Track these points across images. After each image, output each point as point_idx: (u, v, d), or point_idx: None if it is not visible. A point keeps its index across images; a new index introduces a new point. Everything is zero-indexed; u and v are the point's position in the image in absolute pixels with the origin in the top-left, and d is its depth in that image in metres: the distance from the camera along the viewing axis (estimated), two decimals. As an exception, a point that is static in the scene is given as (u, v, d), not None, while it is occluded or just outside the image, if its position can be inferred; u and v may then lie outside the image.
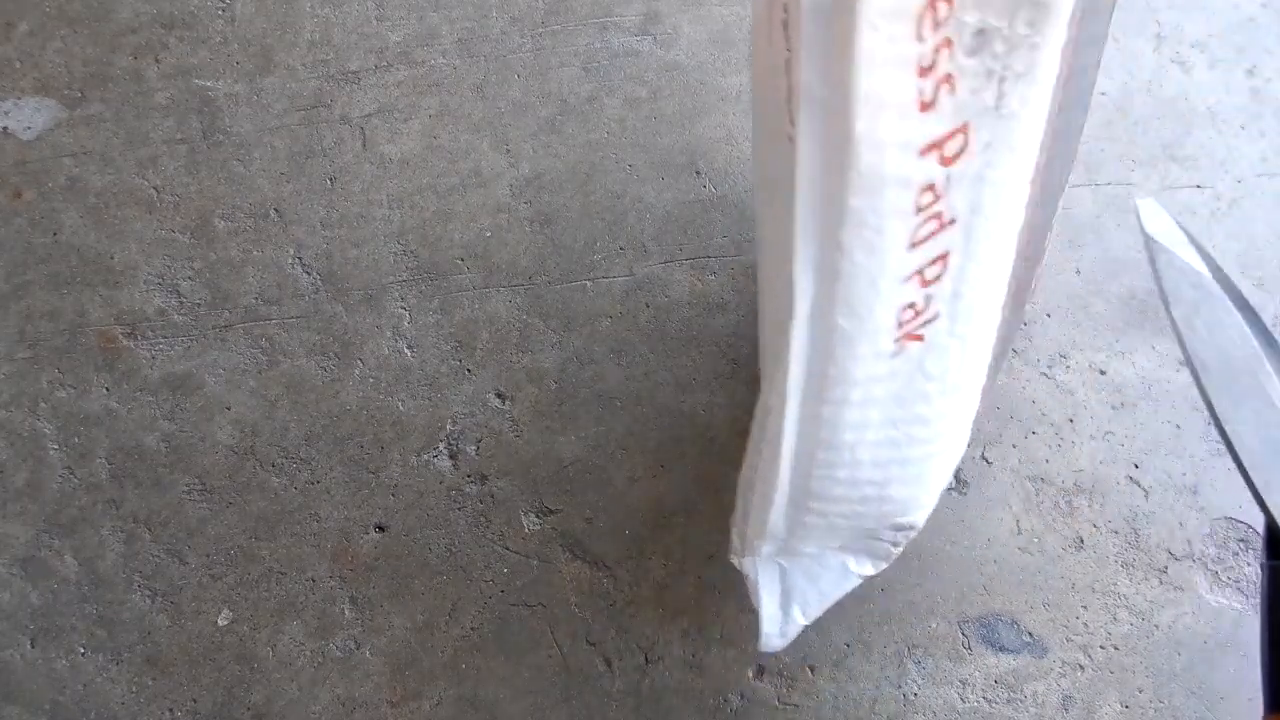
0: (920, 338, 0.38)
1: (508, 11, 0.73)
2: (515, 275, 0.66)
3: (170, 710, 0.56)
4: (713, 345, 0.64)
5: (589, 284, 0.65)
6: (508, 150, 0.69)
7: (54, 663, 0.57)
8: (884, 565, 0.52)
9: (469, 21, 0.73)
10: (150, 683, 0.57)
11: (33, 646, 0.58)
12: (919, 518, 0.48)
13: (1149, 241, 0.21)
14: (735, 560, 0.52)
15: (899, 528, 0.49)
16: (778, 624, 0.52)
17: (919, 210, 0.34)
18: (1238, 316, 0.21)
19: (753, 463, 0.47)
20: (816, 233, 0.34)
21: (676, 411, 0.62)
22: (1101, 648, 0.56)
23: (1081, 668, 0.56)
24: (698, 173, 0.68)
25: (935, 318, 0.38)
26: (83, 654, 0.57)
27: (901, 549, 0.51)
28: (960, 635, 0.57)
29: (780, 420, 0.40)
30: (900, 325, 0.38)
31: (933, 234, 0.35)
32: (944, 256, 0.35)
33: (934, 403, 0.42)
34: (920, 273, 0.36)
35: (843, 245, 0.34)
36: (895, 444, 0.43)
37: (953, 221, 0.34)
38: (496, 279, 0.66)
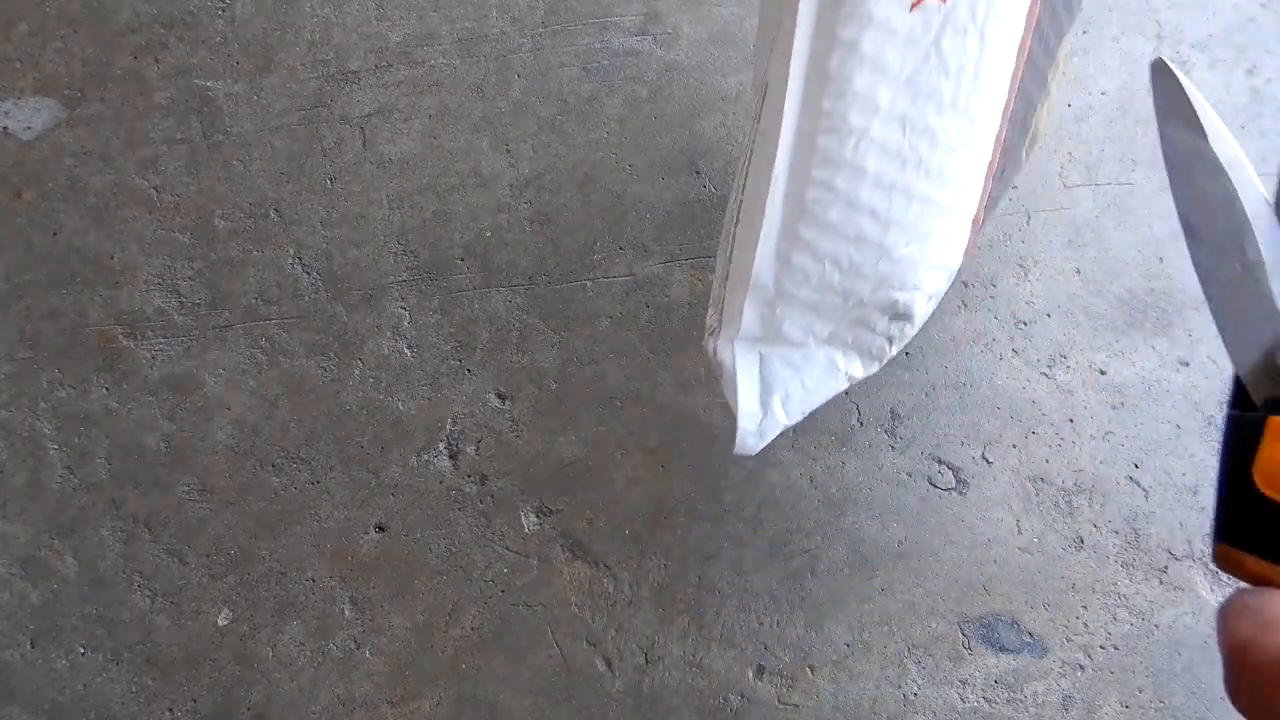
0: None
1: (508, 11, 0.73)
2: (515, 275, 0.66)
3: (170, 710, 0.56)
4: (713, 345, 0.64)
5: (589, 284, 0.65)
6: (508, 150, 0.69)
7: (54, 663, 0.57)
8: (875, 367, 0.46)
9: (469, 21, 0.73)
10: (150, 683, 0.57)
11: (33, 646, 0.58)
12: (917, 304, 0.43)
13: (1158, 99, 0.22)
14: (709, 346, 0.47)
15: (895, 313, 0.44)
16: (755, 420, 0.46)
17: None
18: (1230, 181, 0.22)
19: (737, 200, 0.43)
20: None
21: (676, 411, 0.62)
22: (1101, 648, 0.56)
23: (1081, 668, 0.56)
24: (698, 173, 0.68)
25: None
26: (83, 654, 0.57)
27: (894, 351, 0.46)
28: (960, 635, 0.57)
29: (780, 98, 0.37)
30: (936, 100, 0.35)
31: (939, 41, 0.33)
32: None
33: (945, 116, 0.39)
34: None
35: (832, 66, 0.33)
36: (901, 159, 0.40)
37: None
38: (496, 279, 0.66)
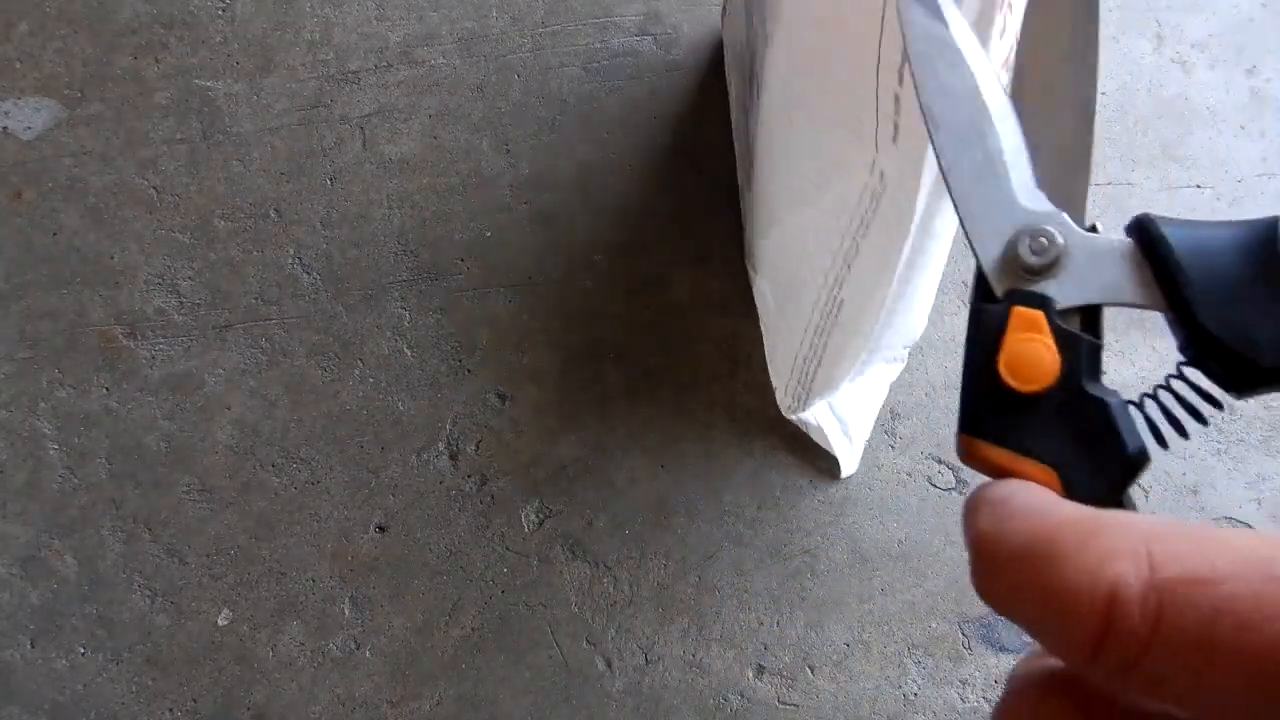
0: None
1: (508, 11, 0.73)
2: (515, 275, 0.66)
3: (170, 710, 0.56)
4: (713, 345, 0.64)
5: (589, 284, 0.65)
6: (508, 150, 0.69)
7: (54, 663, 0.57)
8: (899, 369, 0.59)
9: (469, 21, 0.73)
10: (150, 683, 0.57)
11: (33, 646, 0.58)
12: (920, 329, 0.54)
13: None
14: (792, 416, 0.59)
15: (908, 343, 0.55)
16: (848, 449, 0.58)
17: None
18: (971, 71, 0.22)
19: (829, 299, 0.50)
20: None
21: (676, 411, 0.62)
22: (1101, 648, 0.56)
23: (1081, 668, 0.56)
24: (698, 172, 0.68)
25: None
26: (83, 654, 0.57)
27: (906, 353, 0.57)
28: (960, 635, 0.57)
29: (884, 263, 0.44)
30: None
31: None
32: None
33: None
34: None
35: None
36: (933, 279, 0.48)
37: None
38: (496, 279, 0.66)
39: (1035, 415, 0.20)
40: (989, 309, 0.20)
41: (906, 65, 0.33)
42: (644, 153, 0.69)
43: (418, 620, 0.58)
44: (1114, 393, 0.20)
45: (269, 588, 0.59)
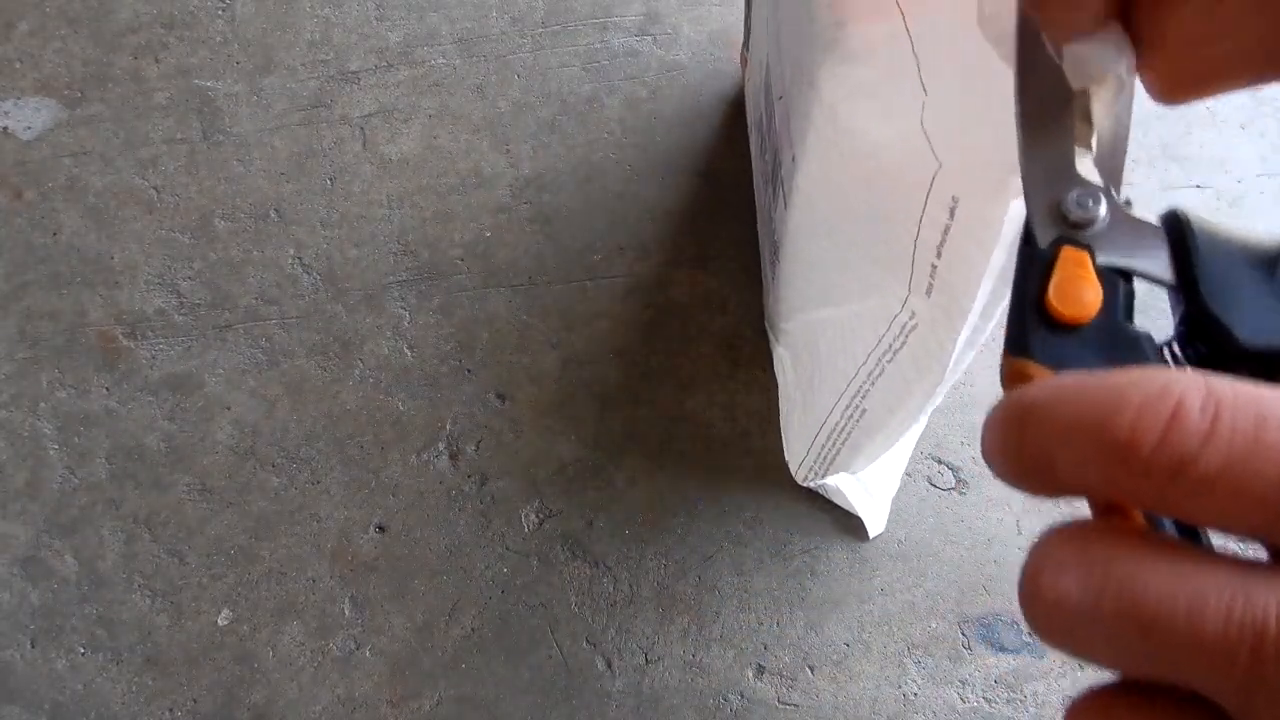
0: None
1: (508, 11, 0.73)
2: (515, 275, 0.66)
3: (170, 710, 0.56)
4: (713, 345, 0.64)
5: (589, 284, 0.65)
6: (508, 150, 0.69)
7: (54, 663, 0.57)
8: (921, 428, 0.58)
9: (469, 21, 0.73)
10: (150, 683, 0.57)
11: (33, 646, 0.58)
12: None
13: None
14: (810, 484, 0.58)
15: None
16: (871, 509, 0.57)
17: None
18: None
19: (852, 406, 0.50)
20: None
21: (676, 411, 0.62)
22: (1101, 648, 0.56)
23: (1081, 668, 0.56)
24: (698, 173, 0.68)
25: None
26: (83, 654, 0.57)
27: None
28: (960, 635, 0.57)
29: (909, 389, 0.44)
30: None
31: None
32: None
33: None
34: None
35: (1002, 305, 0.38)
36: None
37: None
38: (496, 279, 0.66)
39: (1078, 341, 0.22)
40: (1038, 250, 0.23)
41: (945, 245, 0.34)
42: (644, 153, 0.69)
43: (418, 620, 0.58)
44: (1149, 335, 0.22)
45: (269, 588, 0.59)
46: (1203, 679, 0.14)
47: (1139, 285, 0.23)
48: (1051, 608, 0.15)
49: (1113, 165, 0.25)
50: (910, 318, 0.40)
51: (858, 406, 0.49)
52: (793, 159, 0.47)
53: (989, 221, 0.31)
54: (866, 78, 0.37)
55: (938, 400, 0.56)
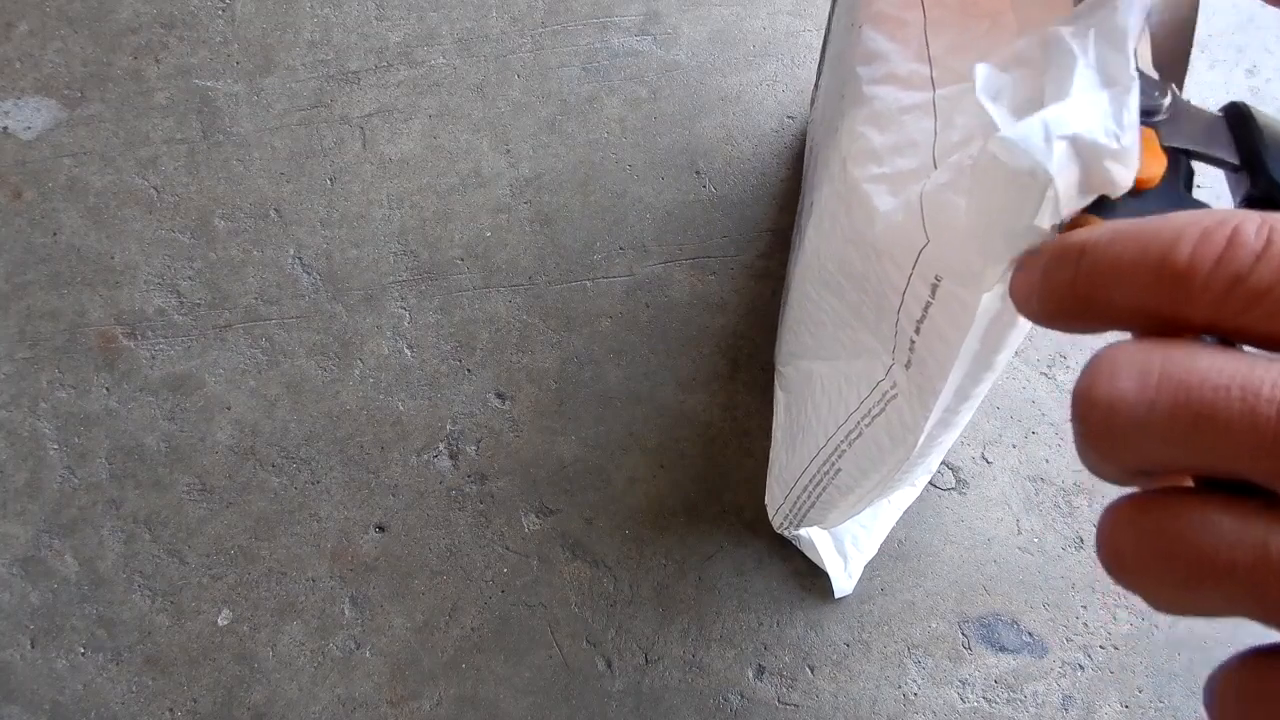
0: None
1: (508, 11, 0.73)
2: (515, 275, 0.66)
3: (170, 710, 0.56)
4: (713, 345, 0.64)
5: (589, 284, 0.65)
6: (508, 150, 0.69)
7: (54, 663, 0.57)
8: (913, 494, 0.58)
9: (469, 21, 0.73)
10: (150, 683, 0.57)
11: (33, 646, 0.58)
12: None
13: None
14: (784, 532, 0.57)
15: (926, 474, 0.56)
16: (841, 568, 0.56)
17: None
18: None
19: (827, 464, 0.50)
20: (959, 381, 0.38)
21: (676, 411, 0.62)
22: (1101, 648, 0.56)
23: (1081, 668, 0.56)
24: (698, 173, 0.68)
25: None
26: (83, 654, 0.57)
27: (927, 479, 0.58)
28: (960, 635, 0.57)
29: (880, 456, 0.44)
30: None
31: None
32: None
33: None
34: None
35: (977, 389, 0.38)
36: (940, 443, 0.48)
37: None
38: (496, 279, 0.66)
39: (1144, 203, 0.23)
40: None
41: (925, 322, 0.35)
42: (644, 153, 0.69)
43: (418, 620, 0.58)
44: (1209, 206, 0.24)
45: (269, 588, 0.59)
46: (1257, 465, 0.14)
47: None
48: (1108, 412, 0.16)
49: (1175, 61, 0.26)
50: (891, 386, 0.40)
51: (834, 465, 0.49)
52: (810, 205, 0.47)
53: (966, 306, 0.31)
54: (883, 142, 0.37)
55: (918, 479, 0.56)
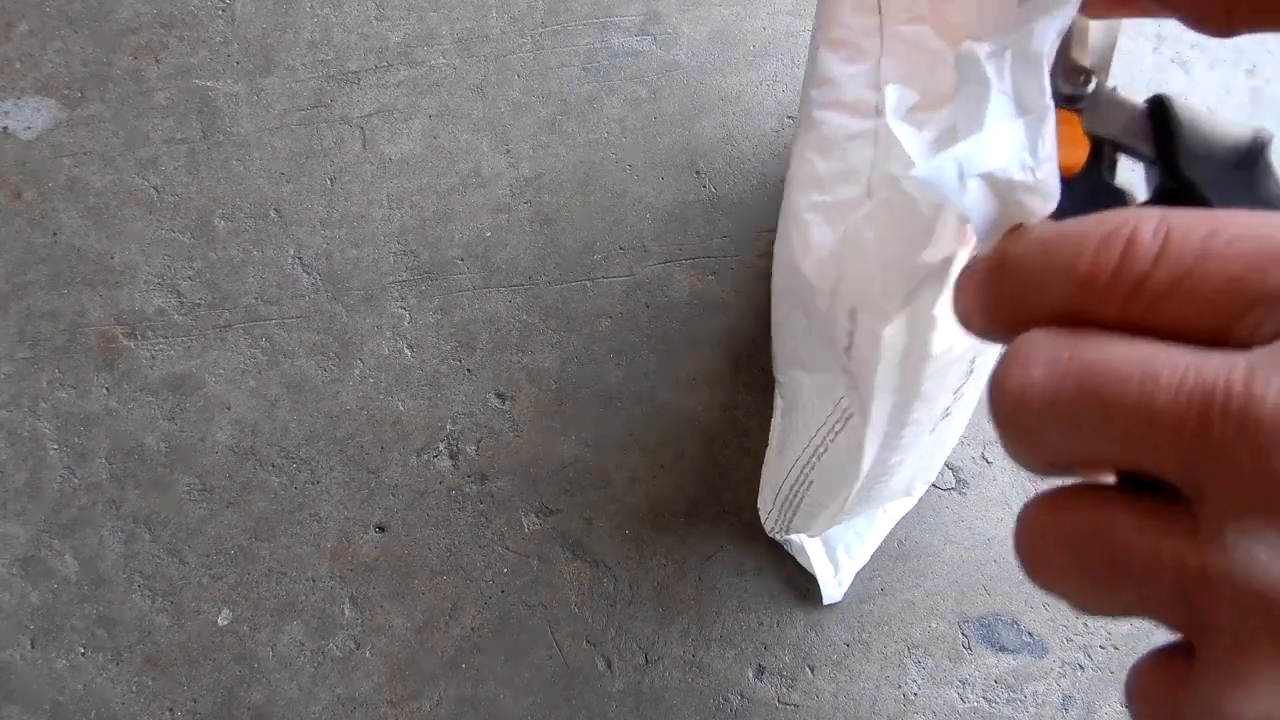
0: (949, 414, 0.43)
1: (508, 11, 0.73)
2: (515, 275, 0.66)
3: (170, 710, 0.56)
4: (713, 345, 0.64)
5: (589, 284, 0.65)
6: (508, 150, 0.69)
7: (54, 663, 0.57)
8: (910, 504, 0.57)
9: (469, 21, 0.73)
10: (150, 683, 0.57)
11: (33, 646, 0.58)
12: (934, 476, 0.56)
13: None
14: (775, 536, 0.57)
15: (921, 483, 0.56)
16: (831, 574, 0.56)
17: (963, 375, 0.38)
18: None
19: (802, 474, 0.50)
20: (890, 404, 0.38)
21: (676, 411, 0.62)
22: (1101, 648, 0.56)
23: (1081, 668, 0.56)
24: (698, 173, 0.68)
25: (962, 398, 0.42)
26: (83, 654, 0.57)
27: (924, 489, 0.57)
28: (960, 635, 0.57)
29: (843, 473, 0.44)
30: (936, 423, 0.42)
31: (968, 370, 0.38)
32: (972, 370, 0.39)
33: (956, 429, 0.48)
34: (955, 388, 0.40)
35: (912, 416, 0.38)
36: (924, 465, 0.49)
37: (981, 352, 0.38)
38: (496, 279, 0.66)
39: (1066, 192, 0.22)
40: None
41: (851, 350, 0.35)
42: (644, 153, 0.69)
43: (418, 620, 0.58)
44: (1130, 191, 0.24)
45: (269, 588, 0.59)
46: (1154, 453, 0.15)
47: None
48: (1019, 398, 0.17)
49: (1102, 49, 0.27)
50: (849, 405, 0.41)
51: (807, 477, 0.49)
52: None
53: (878, 338, 0.32)
54: (826, 169, 0.37)
55: (915, 488, 0.56)
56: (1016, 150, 0.22)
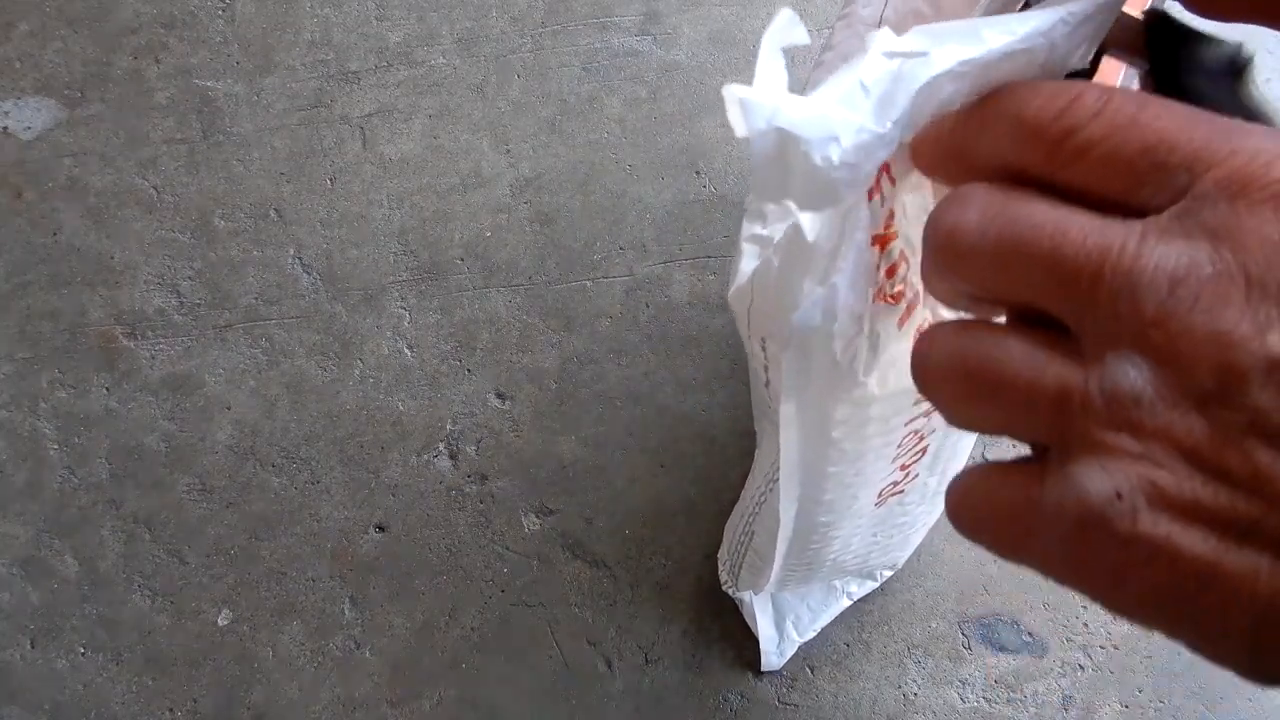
0: (901, 493, 0.42)
1: (508, 11, 0.73)
2: (515, 275, 0.66)
3: (170, 710, 0.56)
4: (713, 345, 0.64)
5: (589, 284, 0.65)
6: (508, 150, 0.69)
7: (54, 663, 0.57)
8: (871, 586, 0.56)
9: (469, 21, 0.73)
10: (150, 683, 0.57)
11: (33, 646, 0.58)
12: (901, 560, 0.55)
13: None
14: (728, 590, 0.56)
15: (884, 567, 0.55)
16: (774, 643, 0.55)
17: (902, 441, 0.36)
18: None
19: (746, 524, 0.50)
20: (800, 467, 0.36)
21: (676, 411, 0.62)
22: (1101, 648, 0.56)
23: (1081, 668, 0.56)
24: (698, 172, 0.68)
25: (915, 477, 0.41)
26: (83, 654, 0.57)
27: (888, 574, 0.56)
28: (960, 635, 0.57)
29: (775, 525, 0.42)
30: (881, 495, 0.41)
31: (916, 447, 0.38)
32: (924, 449, 0.39)
33: (914, 512, 0.47)
34: (903, 464, 0.39)
35: (829, 468, 0.36)
36: (879, 544, 0.48)
37: (933, 431, 0.37)
38: (496, 279, 0.66)
39: None
40: (1075, 70, 0.25)
41: (769, 384, 0.34)
42: (644, 153, 0.69)
43: (418, 620, 0.58)
44: None
45: (269, 588, 0.59)
46: (1055, 292, 0.17)
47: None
48: (952, 233, 0.19)
49: None
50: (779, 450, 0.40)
51: (750, 528, 0.49)
52: None
53: (781, 364, 0.31)
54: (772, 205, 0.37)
55: (878, 572, 0.55)
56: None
